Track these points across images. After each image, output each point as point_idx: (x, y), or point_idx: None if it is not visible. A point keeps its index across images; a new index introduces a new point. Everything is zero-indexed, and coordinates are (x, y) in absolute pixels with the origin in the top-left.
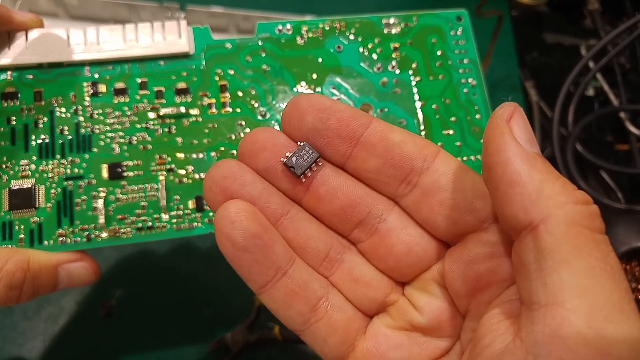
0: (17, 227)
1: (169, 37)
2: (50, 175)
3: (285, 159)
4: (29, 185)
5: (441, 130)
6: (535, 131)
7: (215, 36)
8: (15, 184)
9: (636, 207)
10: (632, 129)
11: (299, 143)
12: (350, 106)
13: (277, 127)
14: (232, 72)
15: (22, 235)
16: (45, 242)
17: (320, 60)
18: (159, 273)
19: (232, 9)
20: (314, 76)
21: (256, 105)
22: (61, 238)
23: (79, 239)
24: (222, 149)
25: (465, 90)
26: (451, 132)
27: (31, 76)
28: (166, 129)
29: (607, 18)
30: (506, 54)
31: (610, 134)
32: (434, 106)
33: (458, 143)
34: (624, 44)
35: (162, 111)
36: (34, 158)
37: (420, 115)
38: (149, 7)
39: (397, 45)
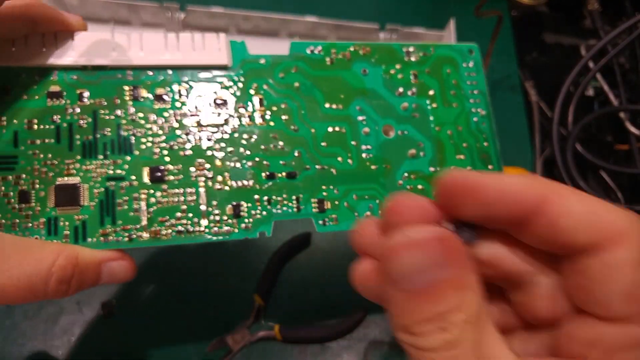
0: (62, 223)
1: (209, 48)
2: (93, 174)
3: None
4: (75, 182)
5: (454, 154)
6: (535, 131)
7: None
8: (61, 181)
9: (636, 207)
10: (632, 128)
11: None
12: (515, 183)
13: (303, 141)
14: (266, 87)
15: (67, 232)
16: (89, 240)
17: (347, 81)
18: (159, 273)
19: (232, 9)
20: (342, 96)
21: (288, 119)
22: (104, 237)
23: (120, 238)
24: (257, 159)
25: (475, 119)
26: (463, 157)
27: (75, 77)
28: (205, 137)
29: (606, 18)
30: (506, 54)
31: (610, 133)
32: (448, 132)
33: (469, 168)
34: (623, 44)
35: (203, 120)
36: (78, 157)
37: (436, 140)
38: (149, 7)
39: (416, 72)
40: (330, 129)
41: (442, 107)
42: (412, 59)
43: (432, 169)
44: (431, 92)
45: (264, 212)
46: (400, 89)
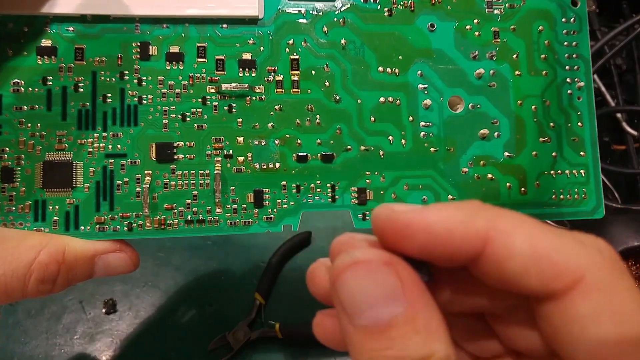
0: (51, 207)
1: None
2: (89, 150)
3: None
4: (67, 160)
5: (537, 136)
6: None
7: None
8: (50, 157)
9: (633, 207)
10: (629, 129)
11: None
12: (448, 222)
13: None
14: (305, 44)
15: (57, 218)
16: (82, 228)
17: (409, 39)
18: (161, 271)
19: None
20: (400, 58)
21: (330, 87)
22: (99, 225)
23: (119, 227)
24: (288, 136)
25: (569, 91)
26: (547, 139)
27: (72, 29)
28: (225, 107)
29: (603, 20)
30: None
31: (607, 134)
32: (532, 107)
33: (554, 154)
34: (620, 45)
35: (223, 86)
36: (72, 128)
37: (515, 117)
38: None
39: (498, 29)
40: (381, 100)
41: (528, 76)
42: (495, 11)
43: (507, 154)
44: (515, 56)
45: (292, 202)
46: (476, 51)
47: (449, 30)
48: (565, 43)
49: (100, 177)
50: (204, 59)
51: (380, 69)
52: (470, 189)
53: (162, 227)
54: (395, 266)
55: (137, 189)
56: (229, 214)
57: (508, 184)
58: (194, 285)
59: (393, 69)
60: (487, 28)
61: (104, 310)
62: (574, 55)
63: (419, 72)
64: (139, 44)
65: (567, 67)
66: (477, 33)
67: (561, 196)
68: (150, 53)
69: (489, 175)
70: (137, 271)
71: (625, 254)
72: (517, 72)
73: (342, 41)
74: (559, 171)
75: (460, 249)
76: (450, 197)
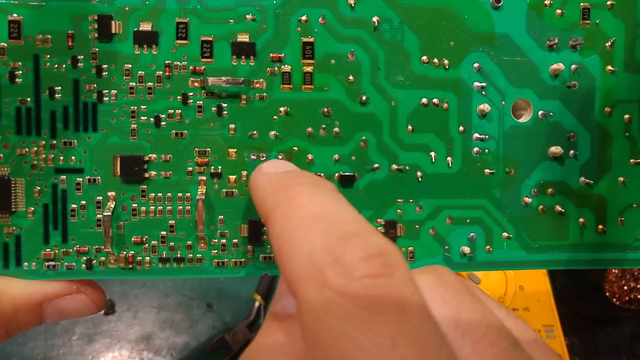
0: None
1: None
2: (33, 162)
3: None
4: (3, 175)
5: (628, 157)
6: None
7: None
8: None
9: None
10: None
11: None
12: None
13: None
14: (323, 21)
15: None
16: (26, 265)
17: (464, 18)
18: None
19: None
20: (452, 44)
21: (354, 82)
22: (49, 261)
23: (74, 264)
24: (295, 149)
25: None
26: None
27: None
28: (213, 109)
29: None
30: None
31: None
32: (625, 117)
33: None
34: None
35: (210, 80)
36: (9, 133)
37: (600, 130)
38: None
39: (588, 5)
40: (423, 102)
41: (623, 73)
42: None
43: (584, 180)
44: (609, 44)
45: None
46: (555, 38)
47: (521, 6)
48: None
49: (48, 199)
50: (185, 41)
51: (425, 58)
52: (531, 225)
53: (130, 265)
54: None
55: (97, 215)
56: (215, 251)
57: (581, 220)
58: (193, 286)
59: (441, 60)
60: (574, 3)
61: (102, 311)
62: None
63: (476, 64)
64: (96, 17)
65: None
66: (559, 11)
67: None
68: (113, 31)
69: (558, 208)
70: (104, 304)
71: None
72: (609, 68)
73: (375, 19)
74: None
75: None
76: (505, 234)
